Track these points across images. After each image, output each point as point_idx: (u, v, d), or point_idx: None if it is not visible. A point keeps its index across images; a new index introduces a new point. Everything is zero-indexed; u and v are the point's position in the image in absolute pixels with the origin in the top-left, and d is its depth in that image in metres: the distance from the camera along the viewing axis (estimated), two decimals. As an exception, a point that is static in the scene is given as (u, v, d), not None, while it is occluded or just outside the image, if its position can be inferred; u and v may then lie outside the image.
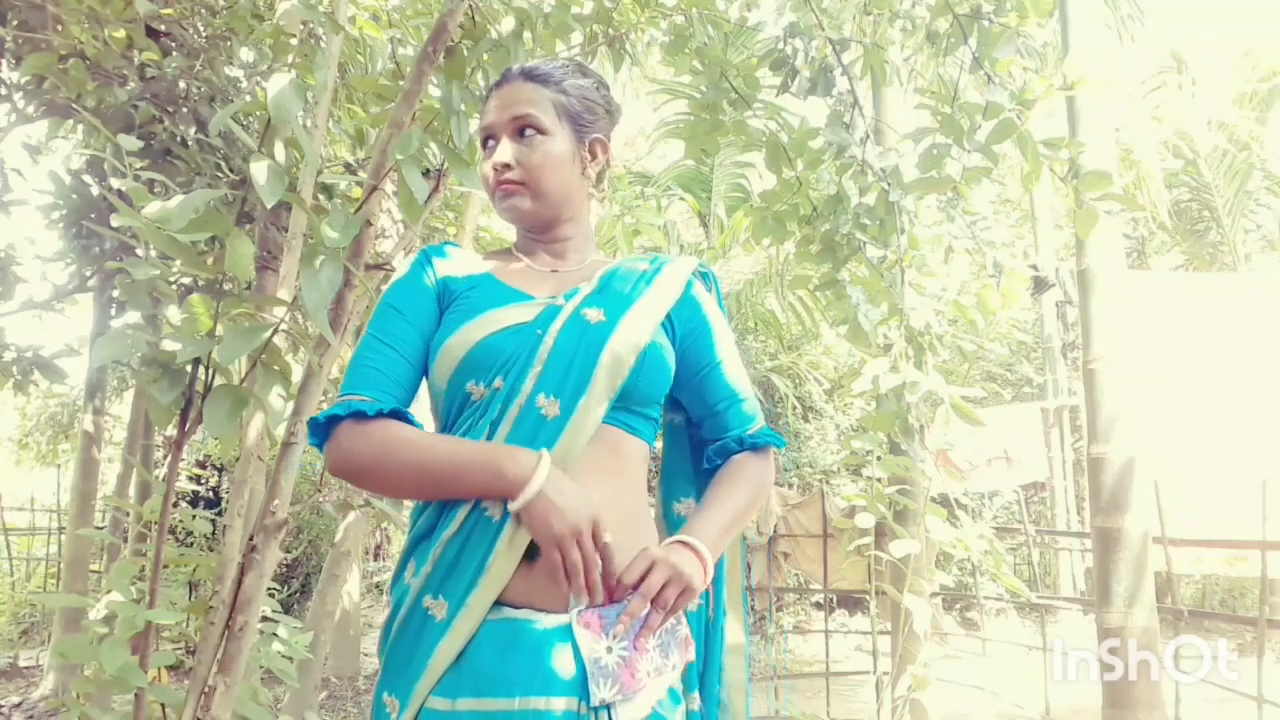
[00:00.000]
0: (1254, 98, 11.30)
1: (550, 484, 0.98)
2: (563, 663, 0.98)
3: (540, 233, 1.23)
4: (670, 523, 1.32)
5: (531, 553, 1.01)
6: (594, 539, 0.99)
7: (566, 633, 0.99)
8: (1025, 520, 7.10)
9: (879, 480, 2.86)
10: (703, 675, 1.22)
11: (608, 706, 0.98)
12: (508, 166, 1.16)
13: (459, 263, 1.22)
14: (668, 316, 1.19)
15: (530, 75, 1.20)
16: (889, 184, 2.51)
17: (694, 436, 1.32)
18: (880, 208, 2.54)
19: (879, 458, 2.83)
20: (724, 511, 1.15)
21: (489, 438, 1.05)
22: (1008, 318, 11.21)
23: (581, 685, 0.97)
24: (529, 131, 1.17)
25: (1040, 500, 10.71)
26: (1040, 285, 8.77)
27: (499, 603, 1.01)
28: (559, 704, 0.96)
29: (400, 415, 1.07)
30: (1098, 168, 2.29)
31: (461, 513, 1.04)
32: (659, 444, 1.31)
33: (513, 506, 0.99)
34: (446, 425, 1.12)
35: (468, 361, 1.09)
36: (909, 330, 2.60)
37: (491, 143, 1.20)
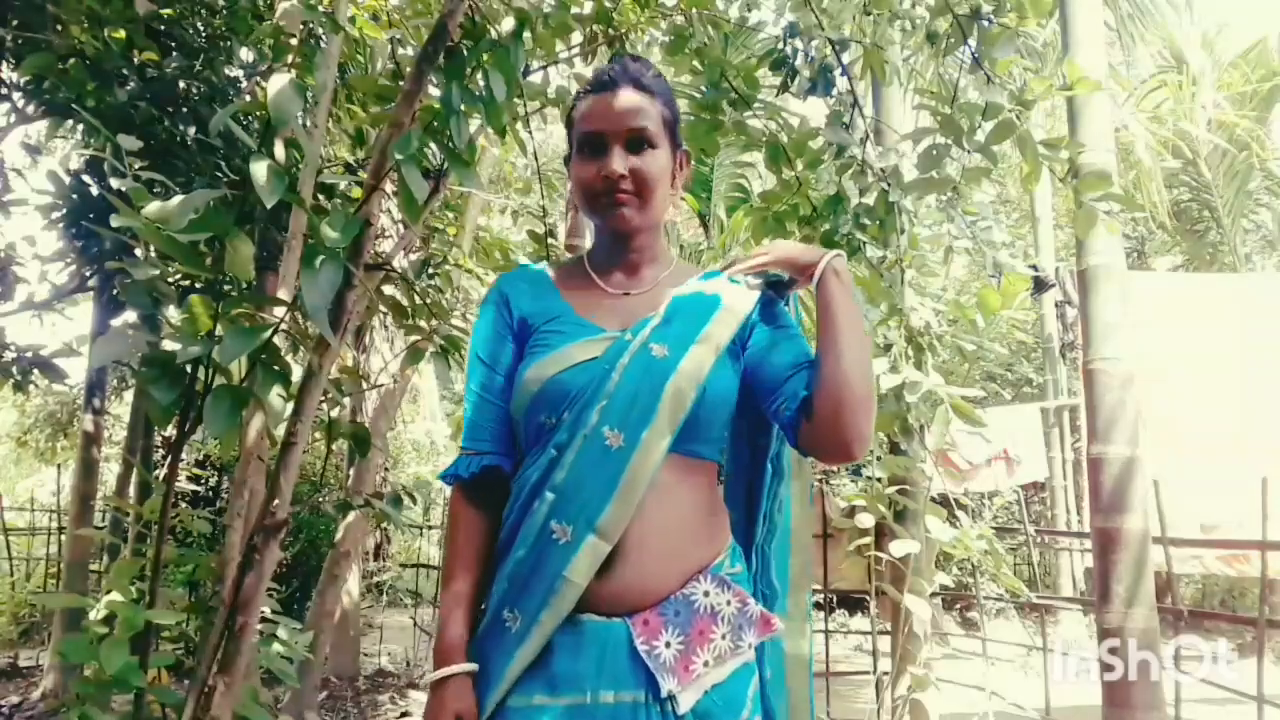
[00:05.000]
0: (1254, 98, 11.29)
1: (435, 692, 1.13)
2: (626, 660, 1.10)
3: (629, 241, 1.27)
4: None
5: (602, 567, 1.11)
6: None
7: (626, 633, 1.11)
8: (1025, 520, 7.10)
9: (879, 480, 2.86)
10: (762, 693, 1.23)
11: (671, 696, 1.09)
12: (624, 177, 1.20)
13: (533, 291, 1.29)
14: (743, 327, 1.24)
15: (640, 85, 1.24)
16: (889, 184, 2.51)
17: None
18: (880, 208, 2.54)
19: (879, 458, 2.83)
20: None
21: (555, 462, 1.14)
22: (1008, 318, 11.21)
23: (644, 679, 1.09)
24: (643, 144, 1.21)
25: (1040, 500, 10.70)
26: (1040, 285, 8.77)
27: None
28: (627, 697, 1.09)
29: (495, 468, 1.22)
30: (1097, 168, 2.29)
31: (532, 535, 1.14)
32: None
33: (429, 677, 1.15)
34: (526, 449, 1.21)
35: (540, 397, 1.17)
36: (909, 330, 2.60)
37: (595, 148, 1.22)
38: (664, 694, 1.08)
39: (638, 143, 1.21)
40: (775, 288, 1.30)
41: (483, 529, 1.22)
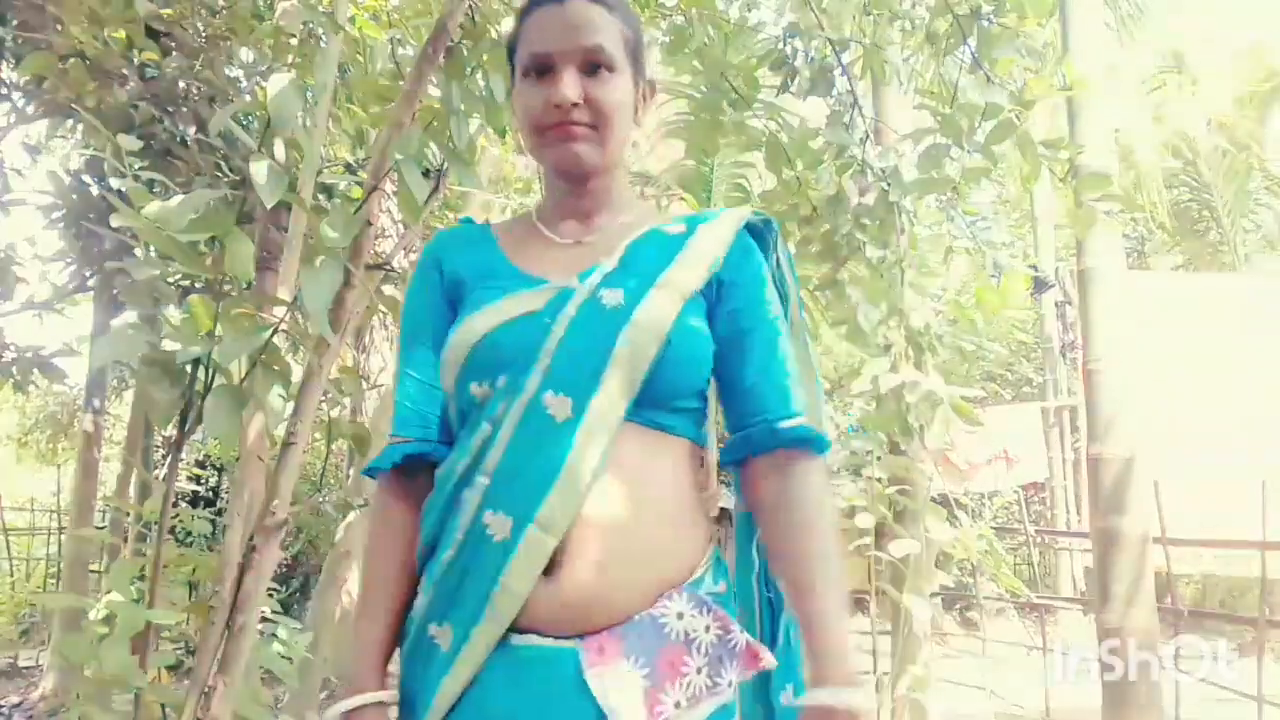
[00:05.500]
0: (1254, 98, 11.30)
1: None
2: (574, 695, 0.87)
3: (582, 184, 1.06)
4: None
5: (546, 570, 0.90)
6: None
7: (573, 661, 0.89)
8: (1025, 520, 7.10)
9: (879, 480, 2.86)
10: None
11: None
12: (576, 105, 0.98)
13: (470, 247, 1.09)
14: (708, 284, 1.01)
15: None
16: (889, 184, 2.51)
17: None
18: (880, 208, 2.54)
19: (879, 458, 2.83)
20: (830, 600, 0.93)
21: (489, 441, 0.94)
22: (1008, 318, 11.21)
23: (596, 718, 0.87)
24: (600, 66, 1.00)
25: (1040, 500, 10.70)
26: (1040, 285, 8.78)
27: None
28: None
29: (422, 457, 1.02)
30: (1097, 168, 2.29)
31: (459, 531, 0.94)
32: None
33: (333, 710, 0.96)
34: (457, 430, 1.02)
35: (470, 361, 0.97)
36: (909, 330, 2.60)
37: (543, 72, 1.00)
38: None
39: (594, 65, 1.00)
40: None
41: (408, 528, 1.01)
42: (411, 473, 1.03)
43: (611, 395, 0.93)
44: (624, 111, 1.03)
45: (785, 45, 2.59)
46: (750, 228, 1.08)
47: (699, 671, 0.91)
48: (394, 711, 0.99)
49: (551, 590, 0.90)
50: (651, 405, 0.96)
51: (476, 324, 0.98)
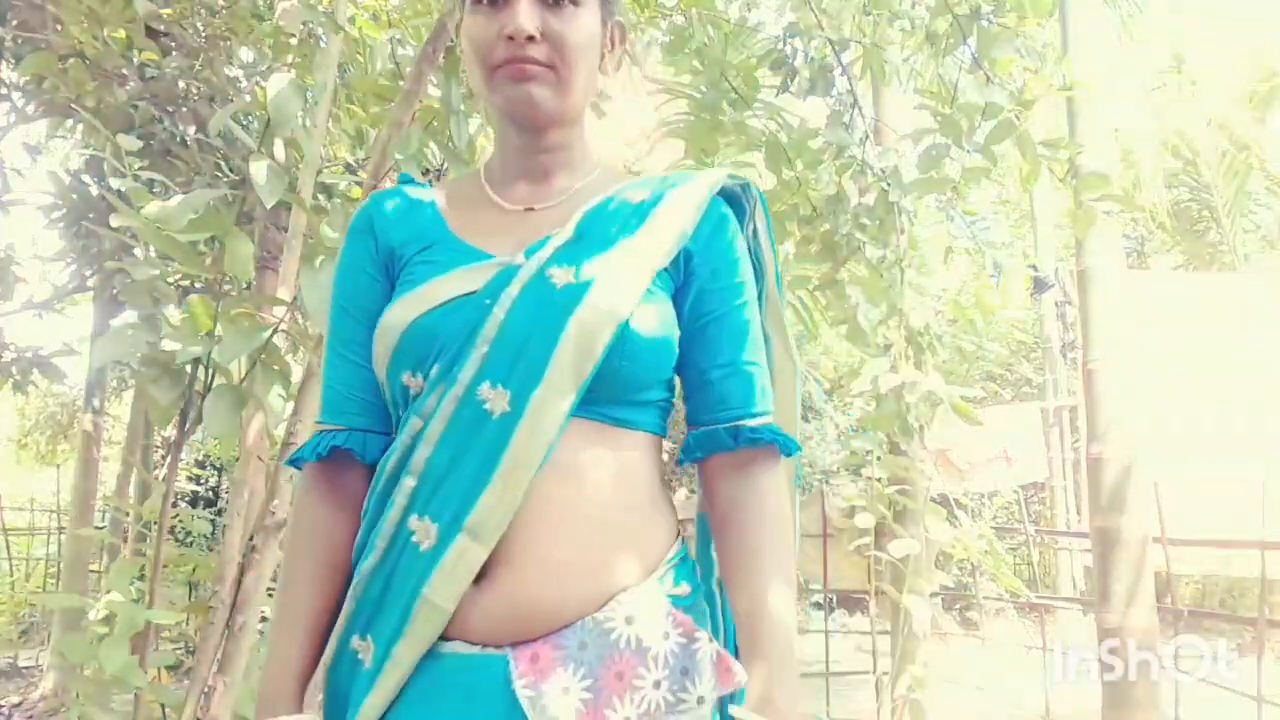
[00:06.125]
0: (1254, 98, 11.30)
1: None
2: (502, 709, 0.78)
3: (538, 136, 0.92)
4: None
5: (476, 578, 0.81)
6: None
7: (502, 670, 0.79)
8: (1025, 520, 7.10)
9: (879, 480, 2.86)
10: None
11: None
12: (532, 39, 0.85)
13: (408, 214, 0.95)
14: (675, 259, 0.90)
15: None
16: (889, 184, 2.51)
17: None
18: (880, 208, 2.55)
19: (879, 458, 2.83)
20: (777, 636, 0.83)
21: (418, 436, 0.84)
22: (1008, 318, 11.21)
23: None
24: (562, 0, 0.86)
25: (1040, 500, 10.70)
26: (1040, 285, 8.77)
27: None
28: None
29: (350, 447, 0.91)
30: (1097, 168, 2.29)
31: (382, 539, 0.84)
32: None
33: None
34: (394, 422, 0.91)
35: (401, 348, 0.86)
36: (909, 330, 2.60)
37: (495, 1, 0.86)
38: None
39: None
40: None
41: (333, 529, 0.90)
42: (340, 466, 0.92)
43: (557, 387, 0.81)
44: (588, 51, 0.89)
45: (785, 45, 2.59)
46: (725, 193, 0.96)
47: (656, 685, 0.80)
48: None
49: (482, 598, 0.81)
50: (606, 399, 0.85)
51: (409, 306, 0.86)
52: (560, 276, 0.84)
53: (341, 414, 0.93)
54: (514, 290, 0.84)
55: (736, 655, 0.87)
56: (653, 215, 0.89)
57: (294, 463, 0.95)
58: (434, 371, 0.85)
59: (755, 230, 1.00)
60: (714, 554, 0.96)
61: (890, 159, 2.55)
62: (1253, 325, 6.01)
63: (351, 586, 0.87)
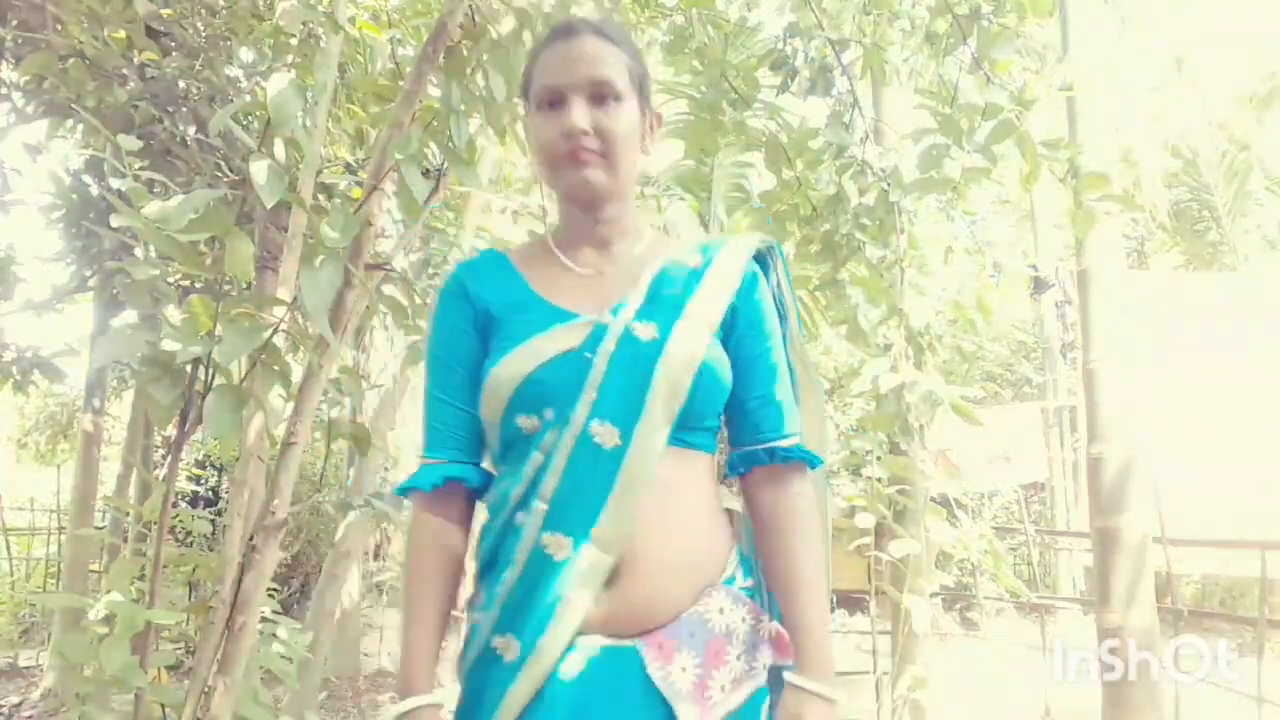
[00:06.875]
0: (1254, 98, 11.30)
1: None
2: (639, 689, 0.99)
3: (597, 210, 1.12)
4: None
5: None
6: None
7: (636, 657, 1.00)
8: (1025, 520, 7.10)
9: (879, 480, 2.86)
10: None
11: None
12: (586, 134, 1.06)
13: (496, 277, 1.15)
14: (726, 312, 1.11)
15: (603, 33, 1.10)
16: (889, 184, 2.51)
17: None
18: (880, 208, 2.55)
19: (879, 458, 2.83)
20: (815, 605, 1.07)
21: (542, 469, 1.03)
22: (1008, 317, 11.22)
23: (660, 709, 0.99)
24: (608, 97, 1.07)
25: (1040, 500, 10.70)
26: (1040, 285, 8.78)
27: None
28: None
29: (458, 479, 1.11)
30: (1097, 168, 2.29)
31: (521, 553, 1.03)
32: None
33: (389, 711, 1.04)
34: (499, 457, 1.11)
35: (516, 397, 1.05)
36: (909, 330, 2.60)
37: (555, 104, 1.08)
38: None
39: (601, 96, 1.07)
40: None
41: (450, 543, 1.11)
42: (449, 490, 1.11)
43: (655, 422, 1.03)
44: (631, 138, 1.09)
45: (785, 45, 2.59)
46: (760, 259, 1.18)
47: (738, 658, 1.05)
48: (444, 714, 1.08)
49: (614, 601, 1.01)
50: (684, 428, 1.06)
51: (519, 361, 1.05)
52: (644, 332, 1.06)
53: (445, 448, 1.13)
54: (609, 345, 1.05)
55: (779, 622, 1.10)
56: (706, 280, 1.11)
57: (405, 491, 1.13)
58: (548, 414, 1.04)
59: (779, 282, 1.21)
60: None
61: (890, 159, 2.55)
62: (1253, 325, 6.01)
63: (490, 595, 1.05)
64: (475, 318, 1.13)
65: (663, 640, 1.01)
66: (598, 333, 1.06)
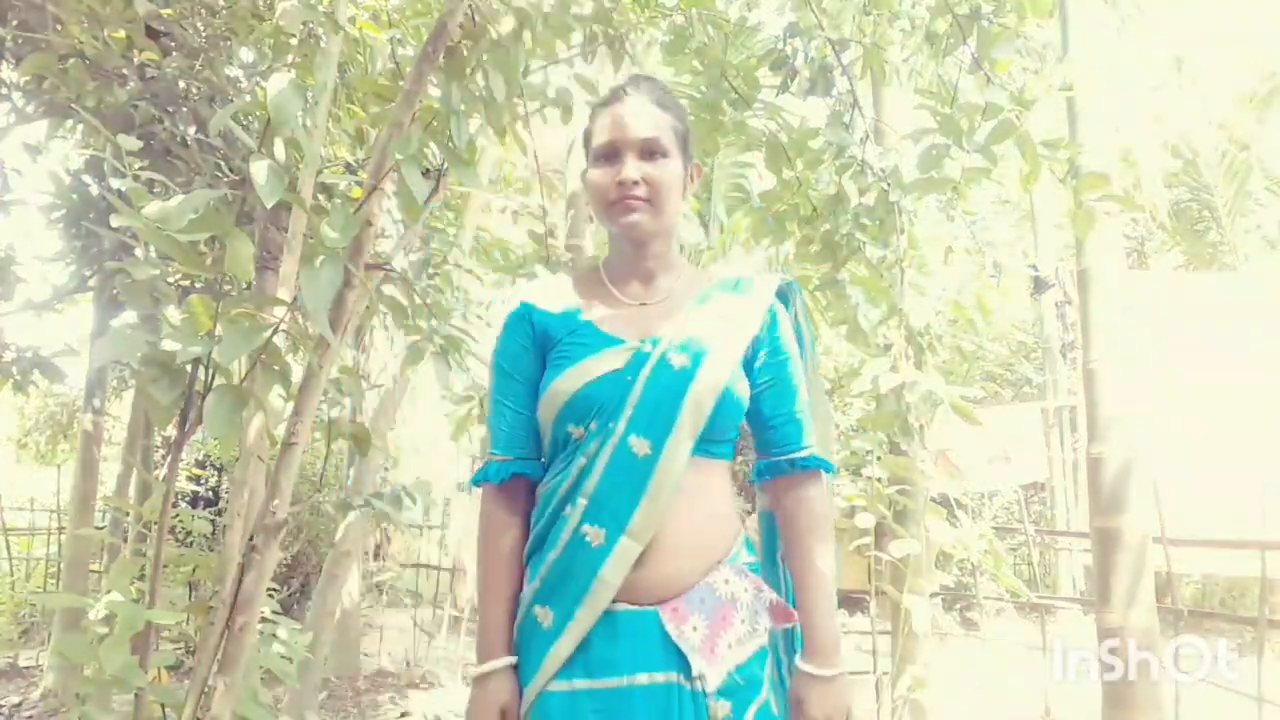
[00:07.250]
0: (1254, 98, 11.29)
1: (479, 685, 1.26)
2: (658, 645, 1.20)
3: (643, 247, 1.34)
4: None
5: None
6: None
7: (657, 620, 1.21)
8: (1025, 520, 7.10)
9: (879, 480, 2.86)
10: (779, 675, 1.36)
11: (701, 675, 1.19)
12: (636, 184, 1.27)
13: (555, 302, 1.36)
14: (753, 342, 1.33)
15: (653, 97, 1.32)
16: (889, 184, 2.51)
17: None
18: (880, 208, 2.55)
19: (879, 458, 2.83)
20: (822, 593, 1.29)
21: (585, 471, 1.24)
22: (1008, 318, 11.21)
23: (676, 661, 1.20)
24: (656, 153, 1.29)
25: (1040, 500, 10.70)
26: (1040, 285, 8.77)
27: None
28: (660, 677, 1.19)
29: (524, 473, 1.32)
30: (1097, 168, 2.29)
31: (563, 538, 1.24)
32: None
33: (473, 671, 1.27)
34: (551, 456, 1.32)
35: (568, 408, 1.26)
36: (909, 330, 2.60)
37: (610, 157, 1.30)
38: (695, 673, 1.19)
39: (650, 152, 1.28)
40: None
41: (514, 530, 1.32)
42: (514, 485, 1.33)
43: (681, 438, 1.24)
44: (674, 188, 1.31)
45: (785, 45, 2.59)
46: (781, 296, 1.40)
47: (742, 622, 1.25)
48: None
49: (638, 577, 1.22)
50: (706, 441, 1.27)
51: (574, 378, 1.27)
52: (677, 360, 1.27)
53: (511, 448, 1.34)
54: (647, 370, 1.26)
55: (794, 605, 1.33)
56: (735, 316, 1.33)
57: (480, 482, 1.35)
58: (593, 425, 1.26)
59: (797, 314, 1.43)
60: (778, 538, 1.42)
61: (890, 159, 2.55)
62: (1253, 325, 6.01)
63: (535, 572, 1.27)
64: (536, 339, 1.34)
65: (677, 605, 1.22)
66: (639, 358, 1.27)
